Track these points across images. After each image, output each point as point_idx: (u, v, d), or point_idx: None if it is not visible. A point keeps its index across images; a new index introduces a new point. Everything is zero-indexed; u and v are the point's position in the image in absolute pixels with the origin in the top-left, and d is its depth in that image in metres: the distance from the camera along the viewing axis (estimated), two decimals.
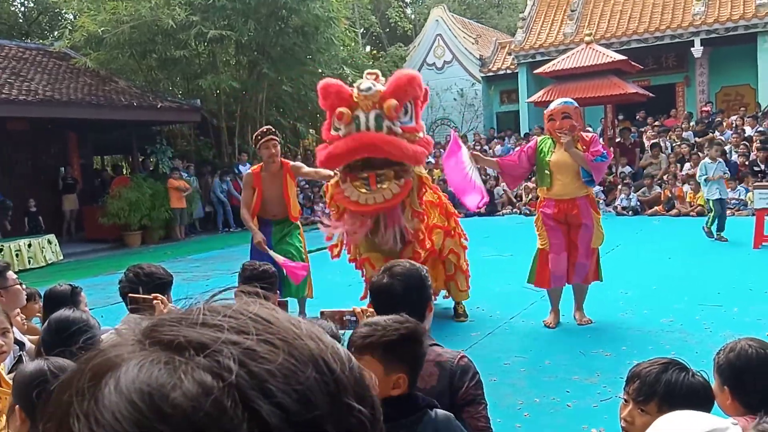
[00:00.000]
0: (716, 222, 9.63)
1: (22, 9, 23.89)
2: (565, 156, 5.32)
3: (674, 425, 1.25)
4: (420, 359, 1.85)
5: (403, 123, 4.63)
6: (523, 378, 4.47)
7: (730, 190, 12.25)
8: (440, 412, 1.78)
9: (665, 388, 1.85)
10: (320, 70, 17.25)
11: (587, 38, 14.38)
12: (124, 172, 17.94)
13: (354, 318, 2.49)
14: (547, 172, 5.44)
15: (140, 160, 16.31)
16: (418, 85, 4.71)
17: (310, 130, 21.38)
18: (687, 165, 13.74)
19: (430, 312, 2.28)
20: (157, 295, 2.74)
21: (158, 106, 14.32)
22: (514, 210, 14.71)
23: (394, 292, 2.17)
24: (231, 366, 0.43)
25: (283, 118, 18.14)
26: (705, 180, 9.74)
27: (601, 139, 15.32)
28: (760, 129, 13.89)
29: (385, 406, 1.70)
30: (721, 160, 10.01)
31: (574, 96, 13.80)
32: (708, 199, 9.85)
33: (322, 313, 2.61)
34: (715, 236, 9.63)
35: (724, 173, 9.89)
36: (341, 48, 18.21)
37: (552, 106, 5.46)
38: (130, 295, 2.83)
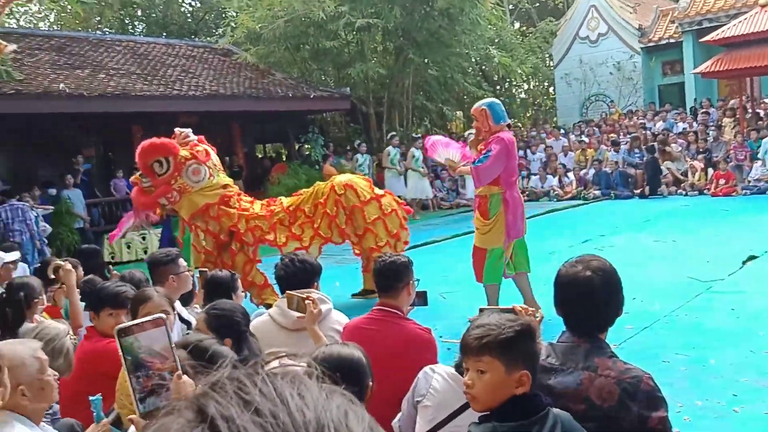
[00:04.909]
0: None
1: (191, 9, 25.78)
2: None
3: None
4: (537, 356, 1.83)
5: (160, 176, 5.83)
6: (684, 378, 4.13)
7: None
8: (559, 410, 1.74)
9: None
10: (467, 52, 17.07)
11: (762, 0, 12.89)
12: (283, 159, 18.99)
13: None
14: None
15: (296, 147, 17.19)
16: (154, 150, 5.77)
17: (457, 113, 21.28)
18: None
19: None
20: (311, 295, 3.00)
21: (311, 96, 14.97)
22: (679, 191, 13.59)
23: (594, 286, 2.06)
24: None
25: (429, 102, 18.19)
26: None
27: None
28: None
29: (511, 407, 1.67)
30: None
31: (747, 65, 12.63)
32: None
33: (481, 310, 2.30)
34: None
35: None
36: (488, 27, 17.85)
37: None
38: (287, 292, 3.12)
